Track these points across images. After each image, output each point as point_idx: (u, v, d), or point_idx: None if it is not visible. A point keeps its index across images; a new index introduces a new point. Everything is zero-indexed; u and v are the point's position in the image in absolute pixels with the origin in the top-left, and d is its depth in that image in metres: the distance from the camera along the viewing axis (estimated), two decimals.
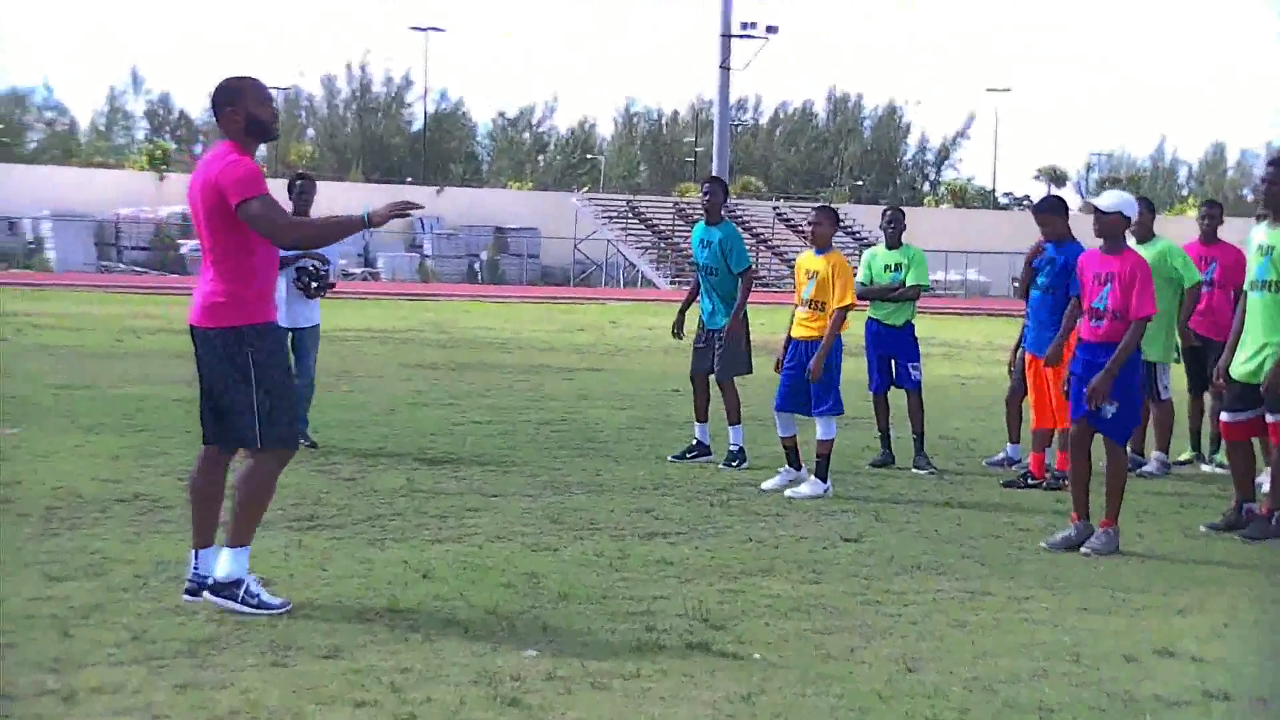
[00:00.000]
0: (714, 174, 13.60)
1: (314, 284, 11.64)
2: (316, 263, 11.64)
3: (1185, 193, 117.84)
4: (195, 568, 6.89)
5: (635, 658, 6.13)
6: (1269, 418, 9.38)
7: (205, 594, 6.71)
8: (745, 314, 12.00)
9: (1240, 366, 9.47)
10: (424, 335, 26.44)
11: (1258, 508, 9.54)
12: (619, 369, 21.25)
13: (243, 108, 6.82)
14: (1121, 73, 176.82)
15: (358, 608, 6.80)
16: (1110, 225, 9.02)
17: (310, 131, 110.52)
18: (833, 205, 11.60)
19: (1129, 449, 12.37)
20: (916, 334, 12.45)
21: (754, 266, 12.11)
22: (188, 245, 57.25)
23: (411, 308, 37.37)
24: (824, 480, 10.53)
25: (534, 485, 10.49)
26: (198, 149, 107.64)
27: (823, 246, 10.92)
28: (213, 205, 6.69)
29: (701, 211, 12.45)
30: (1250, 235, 9.61)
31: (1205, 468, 12.59)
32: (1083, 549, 8.69)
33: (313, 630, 6.39)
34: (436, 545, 8.28)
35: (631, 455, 12.21)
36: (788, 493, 10.44)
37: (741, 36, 63.57)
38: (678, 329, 12.58)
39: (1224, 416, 9.80)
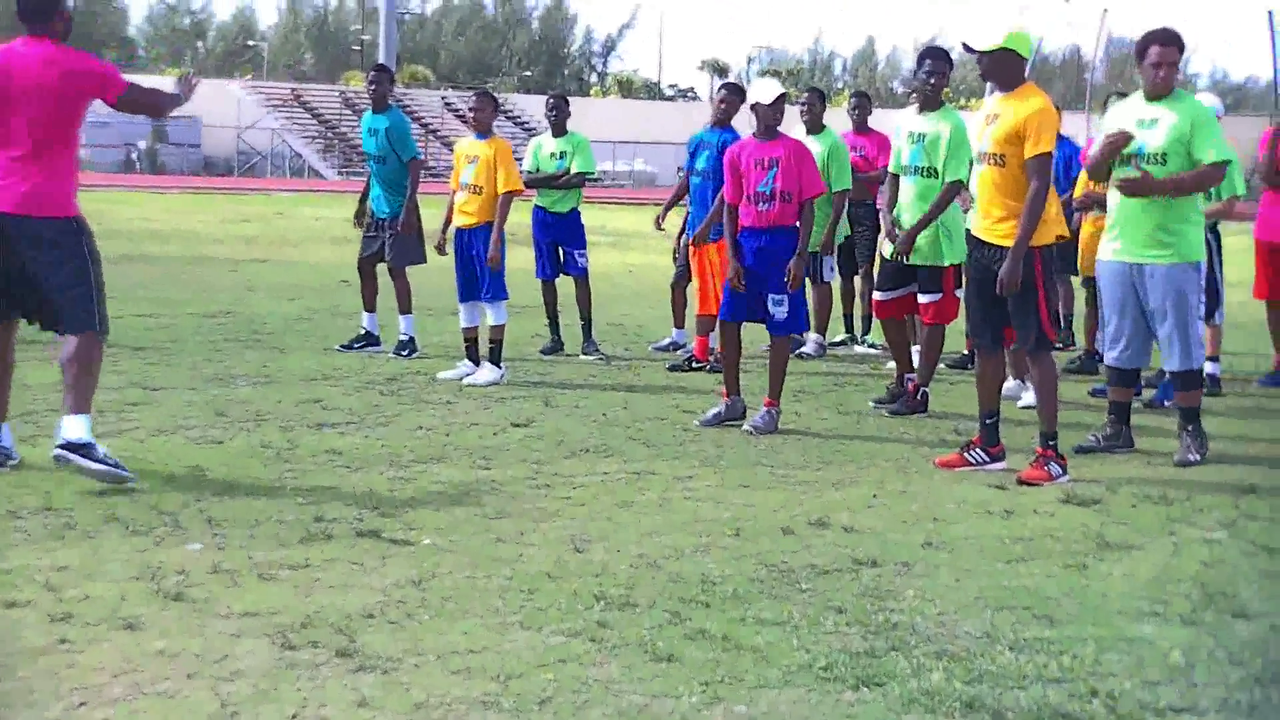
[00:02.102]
0: (380, 62, 13.36)
1: None
2: None
3: (840, 85, 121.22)
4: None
5: (304, 548, 6.07)
6: (921, 298, 9.80)
7: (64, 453, 6.90)
8: (416, 203, 11.90)
9: (892, 247, 9.84)
10: None
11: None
12: (286, 260, 20.86)
13: (65, 13, 7.16)
14: None
15: (8, 506, 6.54)
16: (771, 115, 9.18)
17: None
18: (493, 92, 11.56)
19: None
20: (583, 221, 12.55)
21: (423, 156, 12.01)
22: None
23: None
24: (499, 366, 10.57)
25: (198, 379, 10.25)
26: None
27: (483, 132, 10.89)
28: (68, 98, 7.02)
29: (369, 100, 12.27)
30: (899, 122, 9.96)
31: (858, 348, 13.09)
32: (744, 426, 8.96)
33: None
34: (96, 441, 8.00)
35: (299, 346, 12.03)
36: (465, 381, 10.45)
37: None
38: (358, 219, 12.40)
39: (877, 295, 10.18)
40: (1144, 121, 8.17)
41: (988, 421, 8.12)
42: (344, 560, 5.92)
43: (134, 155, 61.72)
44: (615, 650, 4.93)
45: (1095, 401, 10.06)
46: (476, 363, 10.75)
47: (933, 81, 9.71)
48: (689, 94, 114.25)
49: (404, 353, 11.71)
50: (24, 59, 7.00)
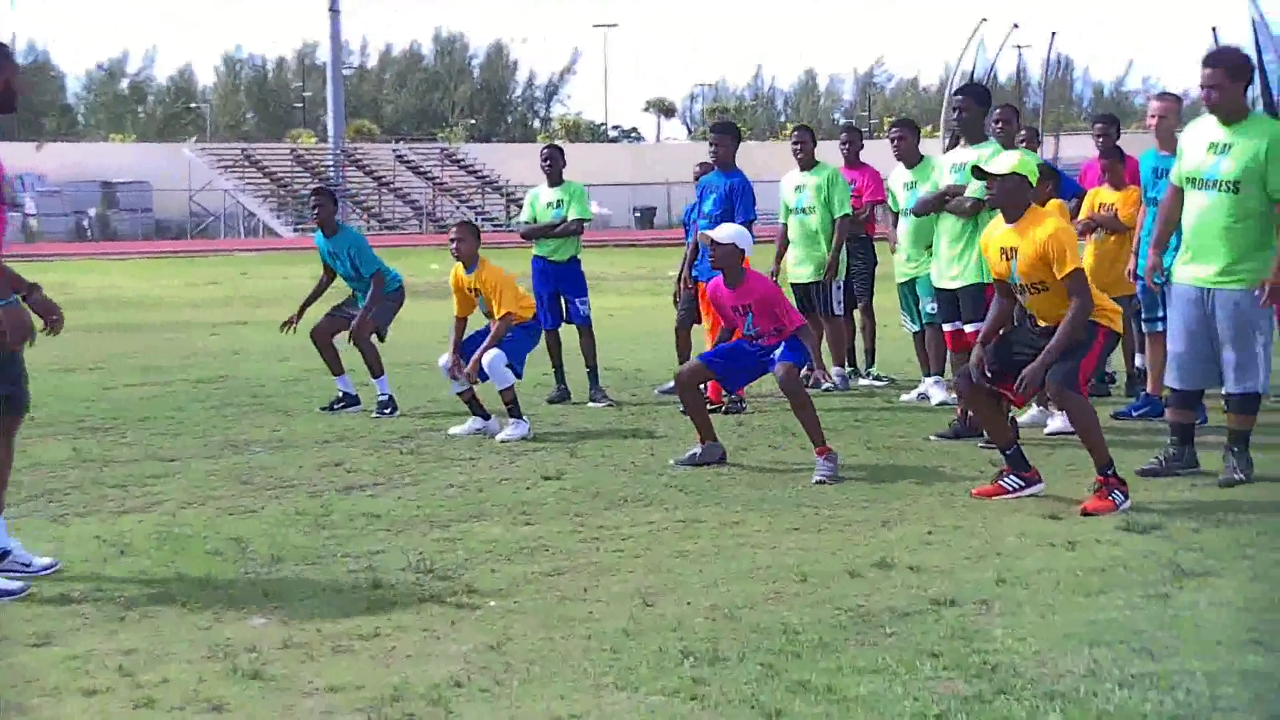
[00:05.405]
0: (318, 186, 12.97)
1: None
2: None
3: (783, 119, 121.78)
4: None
5: (370, 616, 5.92)
6: (968, 328, 9.76)
7: None
8: (373, 314, 11.75)
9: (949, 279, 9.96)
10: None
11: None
12: (264, 321, 20.56)
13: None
14: (720, 3, 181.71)
15: (59, 590, 6.36)
16: (724, 256, 9.13)
17: None
18: (473, 222, 11.34)
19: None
20: (583, 268, 12.47)
21: (383, 270, 11.76)
22: None
23: (23, 268, 35.13)
24: (523, 418, 10.40)
25: (211, 446, 10.07)
26: None
27: (470, 263, 10.67)
28: None
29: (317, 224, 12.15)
30: (943, 158, 10.31)
31: (863, 382, 13.01)
32: (815, 478, 8.61)
33: (14, 617, 5.96)
34: (126, 516, 7.85)
35: (303, 409, 11.85)
36: (499, 438, 10.23)
37: None
38: (294, 321, 12.16)
39: (946, 327, 10.26)
40: (1216, 145, 8.13)
41: (1008, 453, 8.09)
42: (414, 627, 5.78)
43: (85, 223, 61.16)
44: (720, 708, 4.82)
45: (1122, 424, 10.10)
46: (484, 416, 10.56)
47: (963, 117, 9.87)
48: (633, 135, 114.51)
49: (387, 411, 11.50)
50: None
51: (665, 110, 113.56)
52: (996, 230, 8.08)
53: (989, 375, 7.98)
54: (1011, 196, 7.93)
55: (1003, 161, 8.06)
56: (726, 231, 9.24)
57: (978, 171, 8.12)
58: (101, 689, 5.08)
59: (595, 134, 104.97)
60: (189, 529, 7.54)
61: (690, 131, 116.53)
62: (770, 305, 9.06)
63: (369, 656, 5.43)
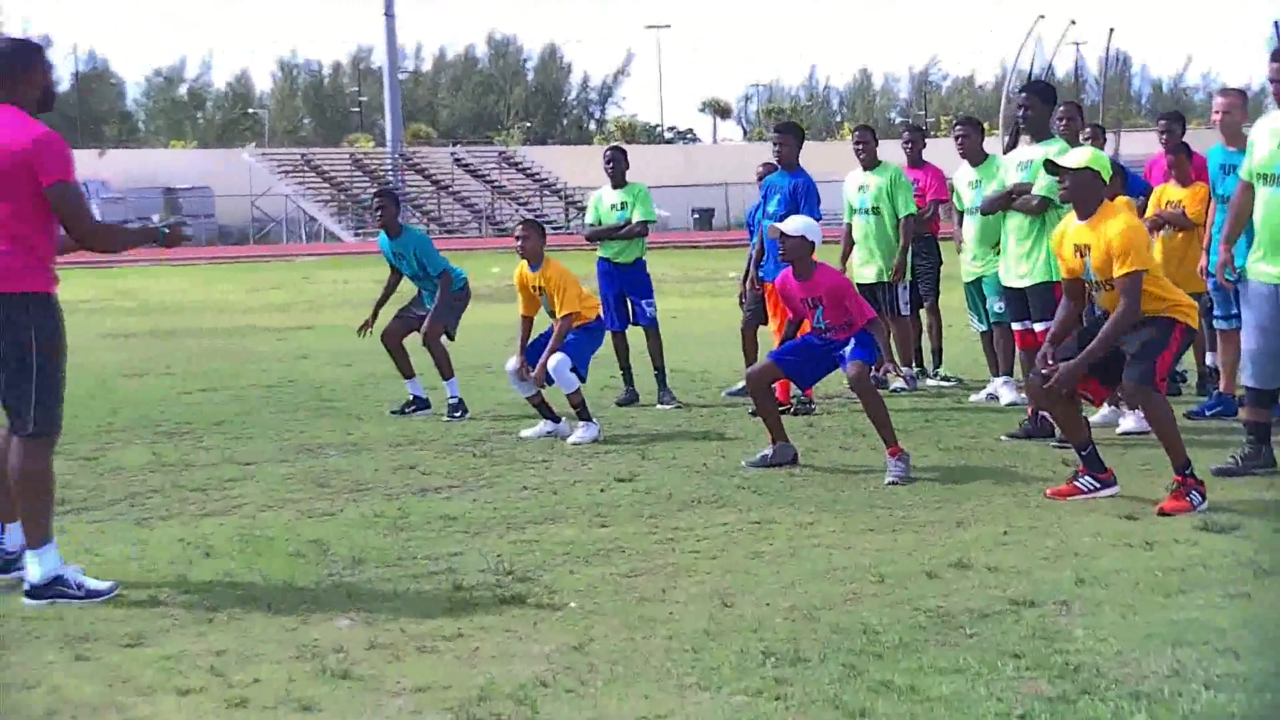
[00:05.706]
0: (382, 188, 12.99)
1: None
2: None
3: (839, 119, 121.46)
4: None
5: (452, 618, 5.99)
6: (1038, 327, 9.74)
7: (26, 600, 6.27)
8: (445, 310, 11.89)
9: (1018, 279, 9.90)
10: (115, 304, 25.38)
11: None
12: (328, 325, 20.78)
13: (34, 80, 6.33)
14: (772, 3, 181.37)
15: (146, 592, 6.47)
16: (793, 248, 9.12)
17: None
18: (537, 219, 11.40)
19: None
20: (648, 270, 12.52)
21: (449, 269, 11.84)
22: None
23: (91, 276, 35.78)
24: (592, 420, 10.46)
25: (287, 450, 10.19)
26: None
27: (535, 261, 10.72)
28: (6, 171, 6.12)
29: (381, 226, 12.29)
30: (1009, 156, 10.26)
31: (930, 382, 12.99)
32: (887, 479, 8.63)
33: (106, 618, 6.06)
34: (208, 519, 7.96)
35: (374, 412, 11.96)
36: (570, 441, 10.31)
37: None
38: (369, 324, 12.21)
39: (1015, 326, 10.25)
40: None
41: (1083, 453, 8.06)
42: (496, 628, 5.85)
43: None
44: (804, 708, 4.85)
45: (1195, 423, 10.06)
46: (554, 419, 10.63)
47: (1028, 114, 9.80)
48: (689, 135, 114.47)
49: (457, 414, 11.59)
50: None
51: (720, 111, 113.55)
52: (1070, 227, 8.07)
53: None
54: (1084, 192, 7.90)
55: (1076, 157, 8.05)
56: (796, 224, 9.24)
57: (1051, 166, 8.10)
58: (195, 689, 5.17)
59: (650, 135, 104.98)
60: (270, 531, 7.65)
61: (745, 132, 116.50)
62: (840, 297, 9.07)
63: (454, 657, 5.50)
